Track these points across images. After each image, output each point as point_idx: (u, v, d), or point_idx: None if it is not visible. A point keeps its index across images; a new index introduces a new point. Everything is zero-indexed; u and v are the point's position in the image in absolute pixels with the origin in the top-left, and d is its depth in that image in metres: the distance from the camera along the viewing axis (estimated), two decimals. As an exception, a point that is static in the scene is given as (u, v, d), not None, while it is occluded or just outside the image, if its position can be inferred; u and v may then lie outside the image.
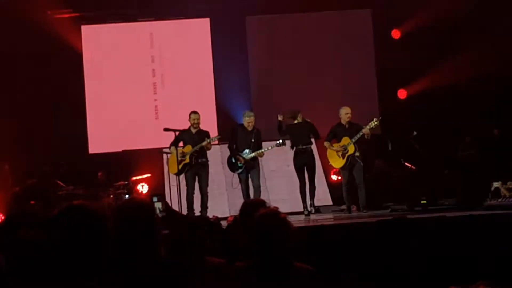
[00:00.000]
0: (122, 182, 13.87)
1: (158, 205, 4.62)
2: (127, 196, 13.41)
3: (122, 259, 3.51)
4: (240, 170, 12.19)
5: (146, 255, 3.67)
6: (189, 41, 15.33)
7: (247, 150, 12.15)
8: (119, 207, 4.09)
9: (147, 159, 14.33)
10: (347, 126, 12.36)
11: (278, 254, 3.98)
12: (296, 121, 12.57)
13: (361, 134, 12.04)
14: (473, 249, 7.55)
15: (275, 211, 4.14)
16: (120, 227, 3.67)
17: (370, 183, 13.03)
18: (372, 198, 12.64)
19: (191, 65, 15.24)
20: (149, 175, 14.30)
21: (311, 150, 12.52)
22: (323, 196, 13.83)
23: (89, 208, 2.82)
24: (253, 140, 12.22)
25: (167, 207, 4.73)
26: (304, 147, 12.37)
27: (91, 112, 15.14)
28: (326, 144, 12.47)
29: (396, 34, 15.33)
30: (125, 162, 14.58)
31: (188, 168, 12.13)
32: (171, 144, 12.24)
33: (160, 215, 4.60)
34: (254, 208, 4.92)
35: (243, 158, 12.13)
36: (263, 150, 12.16)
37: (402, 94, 15.29)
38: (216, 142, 12.39)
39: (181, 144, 12.24)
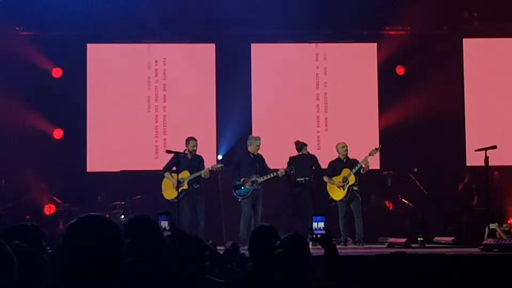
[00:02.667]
0: (118, 202, 13.81)
1: (164, 224, 4.57)
2: (122, 216, 13.34)
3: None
4: (245, 195, 12.16)
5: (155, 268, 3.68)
6: (194, 65, 15.30)
7: (254, 176, 12.14)
8: (128, 222, 4.11)
9: (145, 180, 14.28)
10: (345, 160, 12.52)
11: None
12: (300, 153, 12.70)
13: (360, 165, 12.14)
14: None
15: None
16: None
17: (366, 217, 13.04)
18: (368, 232, 12.65)
19: (194, 89, 15.23)
20: (143, 196, 14.20)
21: (310, 184, 12.58)
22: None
23: (107, 218, 2.82)
24: (257, 165, 12.24)
25: (173, 226, 4.70)
26: (302, 179, 12.45)
27: (92, 130, 15.09)
28: (325, 178, 12.57)
29: (400, 70, 15.38)
30: (123, 183, 14.52)
31: (185, 194, 12.08)
32: (165, 168, 12.21)
33: (165, 234, 4.60)
34: (265, 236, 4.93)
35: (251, 181, 12.11)
36: (272, 174, 12.15)
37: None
38: (220, 169, 12.33)
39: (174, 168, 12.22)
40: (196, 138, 12.44)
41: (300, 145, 12.81)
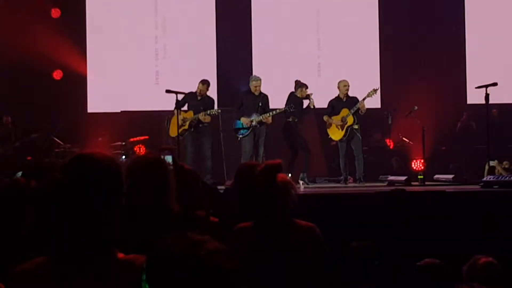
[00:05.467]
0: (119, 143, 13.83)
1: (169, 158, 4.52)
2: (124, 157, 13.36)
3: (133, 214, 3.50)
4: (245, 134, 12.17)
5: (160, 210, 3.68)
6: (193, 6, 15.24)
7: (254, 115, 12.13)
8: (133, 163, 4.08)
9: (146, 121, 14.30)
10: (344, 99, 12.47)
11: (279, 211, 4.03)
12: (295, 93, 12.63)
13: (357, 107, 12.10)
14: (470, 224, 7.58)
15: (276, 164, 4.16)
16: (133, 183, 3.66)
17: (367, 156, 13.08)
18: (369, 171, 12.69)
19: (194, 30, 15.15)
20: (146, 137, 14.23)
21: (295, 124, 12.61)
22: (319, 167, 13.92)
23: (103, 157, 2.63)
24: (260, 105, 12.21)
25: (174, 160, 4.65)
26: (296, 120, 12.44)
27: (92, 71, 15.06)
28: (325, 118, 12.53)
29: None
30: (124, 123, 14.51)
31: (187, 134, 12.16)
32: (176, 106, 12.23)
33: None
34: (250, 171, 4.91)
35: (249, 120, 12.11)
36: (269, 114, 12.13)
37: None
38: (217, 114, 12.32)
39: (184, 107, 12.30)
40: (207, 81, 12.50)
41: (297, 86, 12.70)
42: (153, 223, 3.42)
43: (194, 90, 12.36)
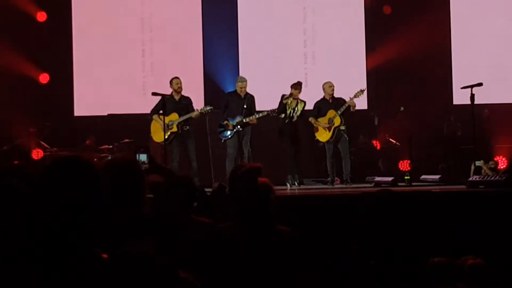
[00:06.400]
0: (106, 146, 13.79)
1: (143, 157, 4.53)
2: (110, 160, 13.33)
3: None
4: (228, 137, 12.13)
5: (131, 212, 3.68)
6: (179, 7, 15.24)
7: (238, 117, 12.09)
8: (106, 164, 4.08)
9: (133, 124, 14.27)
10: (330, 100, 12.42)
11: (261, 214, 4.04)
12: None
13: (346, 106, 12.08)
14: (457, 224, 7.60)
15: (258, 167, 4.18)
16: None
17: (354, 157, 13.08)
18: (355, 172, 12.70)
19: (180, 31, 15.16)
20: (132, 140, 14.18)
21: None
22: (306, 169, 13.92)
23: (84, 160, 2.64)
24: (245, 106, 12.15)
25: (151, 160, 4.65)
26: (283, 116, 12.36)
27: (78, 74, 15.04)
28: (311, 119, 12.46)
29: (387, 10, 15.31)
30: (110, 126, 14.50)
31: (174, 137, 11.98)
32: (153, 111, 12.11)
33: (143, 167, 4.56)
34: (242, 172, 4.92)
35: (232, 124, 12.07)
36: (254, 116, 12.08)
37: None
38: (209, 111, 12.22)
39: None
40: (179, 77, 12.31)
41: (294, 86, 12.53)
42: (124, 224, 3.41)
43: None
